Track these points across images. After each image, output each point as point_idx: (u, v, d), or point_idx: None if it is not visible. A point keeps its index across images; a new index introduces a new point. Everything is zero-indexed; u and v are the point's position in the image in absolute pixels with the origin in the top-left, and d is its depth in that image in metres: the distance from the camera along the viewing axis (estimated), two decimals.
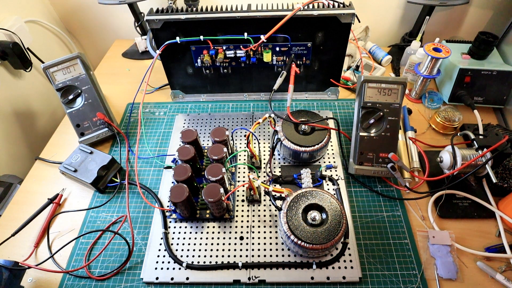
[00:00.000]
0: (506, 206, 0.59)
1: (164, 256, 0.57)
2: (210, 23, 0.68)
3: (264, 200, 0.64)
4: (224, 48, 0.72)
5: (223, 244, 0.58)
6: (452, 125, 0.72)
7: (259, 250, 0.57)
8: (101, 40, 1.13)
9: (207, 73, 0.79)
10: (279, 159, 0.70)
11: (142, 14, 0.95)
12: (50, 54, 0.98)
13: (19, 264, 0.53)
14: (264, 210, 0.62)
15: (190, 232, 0.60)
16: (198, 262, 0.56)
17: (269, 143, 0.73)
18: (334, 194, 0.63)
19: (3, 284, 0.50)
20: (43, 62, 0.86)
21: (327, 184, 0.64)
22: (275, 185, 0.65)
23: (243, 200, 0.64)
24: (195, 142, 0.63)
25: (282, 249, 0.57)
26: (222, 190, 0.55)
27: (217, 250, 0.58)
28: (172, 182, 0.67)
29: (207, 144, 0.74)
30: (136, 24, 0.95)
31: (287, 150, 0.65)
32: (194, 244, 0.58)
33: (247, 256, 0.57)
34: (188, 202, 0.56)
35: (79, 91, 0.72)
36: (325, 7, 0.68)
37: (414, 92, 0.81)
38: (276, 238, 0.59)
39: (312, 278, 0.54)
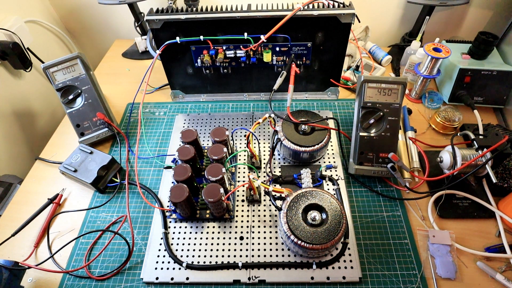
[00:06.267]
0: (506, 206, 0.59)
1: (164, 256, 0.57)
2: (210, 23, 0.68)
3: (264, 200, 0.64)
4: (224, 48, 0.72)
5: (223, 244, 0.58)
6: (452, 125, 0.72)
7: (259, 250, 0.57)
8: (101, 40, 1.13)
9: (207, 73, 0.79)
10: (279, 159, 0.70)
11: (142, 14, 0.95)
12: (50, 54, 0.98)
13: (19, 264, 0.53)
14: (264, 210, 0.62)
15: (190, 232, 0.60)
16: (198, 262, 0.56)
17: (269, 143, 0.73)
18: (334, 194, 0.63)
19: (3, 284, 0.50)
20: (43, 62, 0.86)
21: (327, 184, 0.64)
22: (275, 185, 0.65)
23: (243, 200, 0.64)
24: (195, 142, 0.63)
25: (282, 249, 0.57)
26: (222, 190, 0.55)
27: (217, 250, 0.58)
28: (172, 182, 0.67)
29: (207, 144, 0.74)
30: (136, 24, 0.95)
31: (287, 150, 0.65)
32: (194, 244, 0.58)
33: (247, 256, 0.57)
34: (188, 202, 0.56)
35: (79, 91, 0.72)
36: (325, 7, 0.68)
37: (414, 92, 0.81)
38: (276, 238, 0.59)
39: (312, 278, 0.54)
